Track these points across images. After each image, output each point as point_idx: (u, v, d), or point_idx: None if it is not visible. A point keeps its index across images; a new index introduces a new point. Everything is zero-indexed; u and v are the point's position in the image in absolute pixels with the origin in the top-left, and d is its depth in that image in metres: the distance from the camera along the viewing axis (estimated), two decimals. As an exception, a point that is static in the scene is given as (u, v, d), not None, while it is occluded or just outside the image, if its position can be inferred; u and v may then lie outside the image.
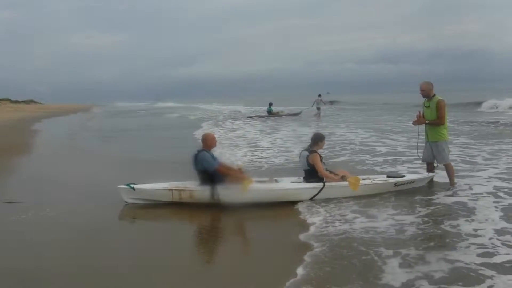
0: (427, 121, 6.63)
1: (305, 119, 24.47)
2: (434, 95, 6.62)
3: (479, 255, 4.23)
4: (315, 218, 5.51)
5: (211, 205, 5.95)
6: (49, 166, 10.27)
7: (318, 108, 27.02)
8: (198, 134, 16.65)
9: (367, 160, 9.86)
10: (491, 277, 3.73)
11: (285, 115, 26.85)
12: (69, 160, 11.45)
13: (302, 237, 4.88)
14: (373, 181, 6.52)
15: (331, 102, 38.89)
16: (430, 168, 6.89)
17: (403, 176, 6.78)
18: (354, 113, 28.70)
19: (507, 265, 3.99)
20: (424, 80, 6.72)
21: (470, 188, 6.73)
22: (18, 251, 4.69)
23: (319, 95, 27.46)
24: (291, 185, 6.30)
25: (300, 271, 3.93)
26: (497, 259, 4.11)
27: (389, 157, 10.24)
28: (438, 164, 6.87)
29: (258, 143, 13.60)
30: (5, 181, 8.70)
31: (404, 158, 10.09)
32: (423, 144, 7.19)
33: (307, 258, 4.24)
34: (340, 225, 5.25)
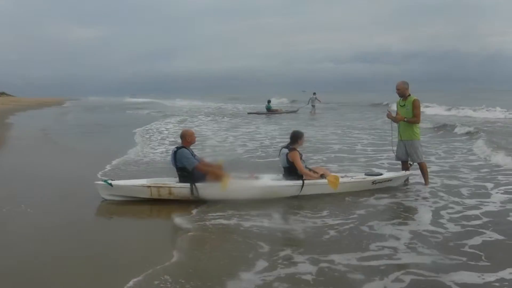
0: (405, 119, 6.72)
1: (299, 116, 24.45)
2: (409, 95, 6.77)
3: (366, 258, 4.01)
4: (223, 213, 5.42)
5: (191, 201, 5.89)
6: (24, 161, 9.78)
7: (313, 106, 27.64)
8: (142, 131, 15.89)
9: (311, 158, 9.41)
10: (357, 281, 3.57)
11: (283, 112, 27.31)
12: (44, 154, 10.97)
13: (194, 228, 4.95)
14: (351, 179, 6.54)
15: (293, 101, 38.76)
16: (405, 167, 6.94)
17: (381, 174, 6.81)
18: (327, 112, 28.73)
19: (382, 268, 3.81)
20: (401, 80, 6.89)
21: (415, 188, 6.71)
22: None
23: (314, 93, 28.17)
24: (270, 183, 6.25)
25: (174, 256, 4.13)
26: (381, 263, 3.91)
27: (335, 155, 10.02)
28: (412, 163, 6.93)
29: (205, 141, 12.89)
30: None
31: (352, 156, 9.87)
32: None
33: (189, 247, 4.47)
34: (245, 223, 5.09)
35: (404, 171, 6.89)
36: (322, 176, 6.33)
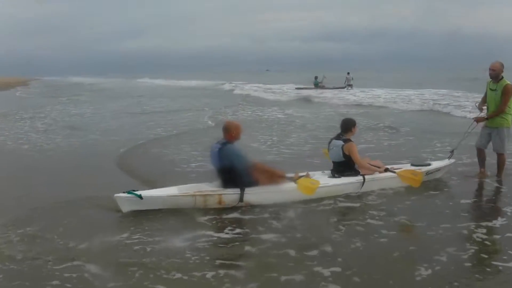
0: (486, 117, 6.43)
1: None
2: (502, 77, 6.35)
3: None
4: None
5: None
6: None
7: (350, 85, 29.93)
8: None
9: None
10: None
11: (331, 88, 29.68)
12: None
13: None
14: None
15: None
16: (481, 155, 6.63)
17: (429, 164, 6.44)
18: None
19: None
20: (497, 60, 6.44)
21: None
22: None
23: (348, 73, 30.92)
24: (332, 181, 5.80)
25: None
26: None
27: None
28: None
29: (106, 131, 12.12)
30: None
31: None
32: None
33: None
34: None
35: (447, 159, 6.61)
36: (387, 170, 5.96)
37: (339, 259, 3.75)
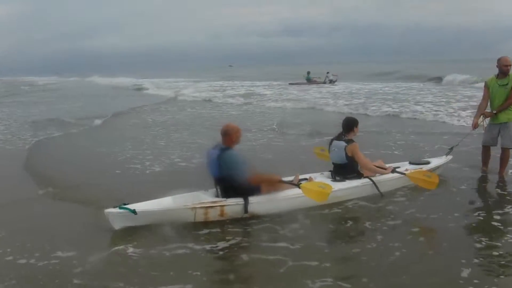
0: (494, 112, 6.34)
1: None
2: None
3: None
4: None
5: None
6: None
7: (332, 80, 30.96)
8: None
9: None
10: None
11: (323, 82, 30.67)
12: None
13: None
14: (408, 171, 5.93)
15: None
16: (487, 153, 6.58)
17: (429, 162, 6.30)
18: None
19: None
20: (503, 55, 6.36)
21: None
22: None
23: (328, 72, 31.84)
24: (338, 185, 5.41)
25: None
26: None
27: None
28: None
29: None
30: None
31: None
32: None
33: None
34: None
35: (445, 156, 6.56)
36: (394, 170, 5.78)
37: (369, 269, 3.55)
